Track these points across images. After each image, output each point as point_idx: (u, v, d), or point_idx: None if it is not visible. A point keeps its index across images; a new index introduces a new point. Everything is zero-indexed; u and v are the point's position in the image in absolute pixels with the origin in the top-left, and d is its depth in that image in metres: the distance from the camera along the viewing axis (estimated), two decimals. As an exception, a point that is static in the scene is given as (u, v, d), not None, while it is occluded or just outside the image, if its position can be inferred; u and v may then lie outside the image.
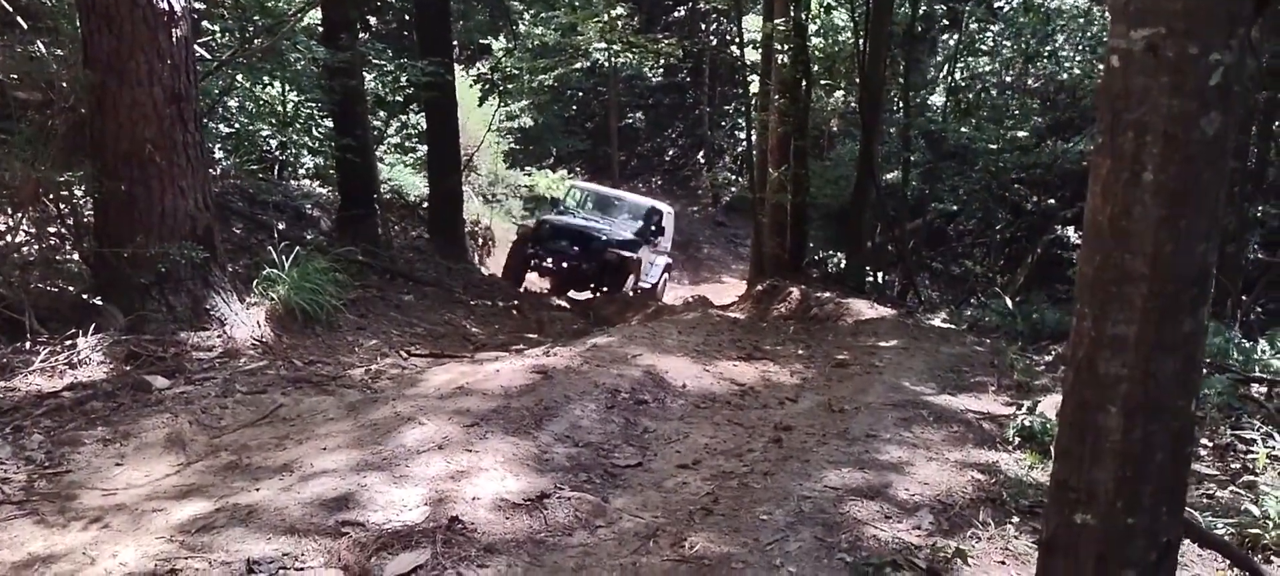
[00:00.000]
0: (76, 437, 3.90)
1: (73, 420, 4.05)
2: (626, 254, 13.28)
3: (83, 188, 4.84)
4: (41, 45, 5.59)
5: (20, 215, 4.82)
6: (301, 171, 13.22)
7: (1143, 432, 1.45)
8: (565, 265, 12.96)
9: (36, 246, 4.99)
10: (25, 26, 5.71)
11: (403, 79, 12.33)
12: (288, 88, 10.72)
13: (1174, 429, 1.48)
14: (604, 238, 13.16)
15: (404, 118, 14.96)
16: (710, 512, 3.38)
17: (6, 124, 5.12)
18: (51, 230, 5.38)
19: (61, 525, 3.26)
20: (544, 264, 13.09)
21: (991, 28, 15.79)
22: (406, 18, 17.95)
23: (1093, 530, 1.53)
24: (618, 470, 3.81)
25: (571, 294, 13.46)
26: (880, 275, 13.50)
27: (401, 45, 16.28)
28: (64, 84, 5.18)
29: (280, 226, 8.05)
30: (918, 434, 4.34)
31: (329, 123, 11.17)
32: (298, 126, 11.44)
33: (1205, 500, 3.83)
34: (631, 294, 13.07)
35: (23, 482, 3.55)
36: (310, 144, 11.43)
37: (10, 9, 5.69)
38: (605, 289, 13.12)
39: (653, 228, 15.14)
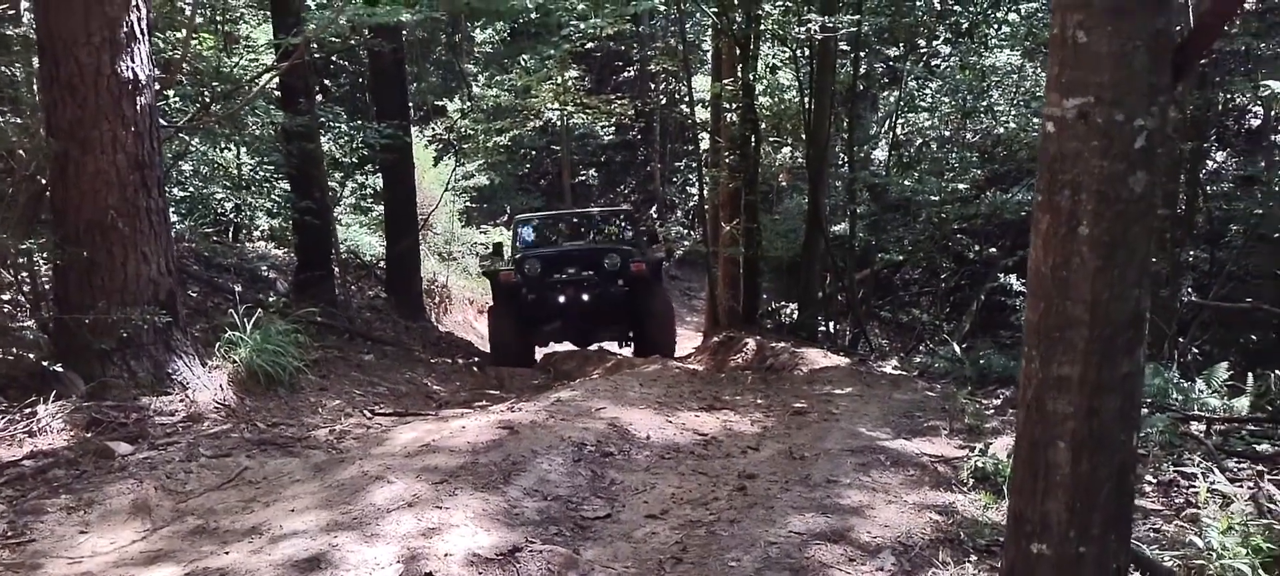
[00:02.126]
0: (39, 506, 3.86)
1: (35, 489, 4.01)
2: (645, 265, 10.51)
3: (45, 255, 4.81)
4: (-2, 114, 5.59)
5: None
6: (257, 233, 13.16)
7: (1089, 466, 1.59)
8: (585, 297, 10.06)
9: (-5, 315, 4.94)
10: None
11: (357, 141, 12.41)
12: (242, 151, 10.73)
13: (1117, 462, 1.61)
14: (615, 251, 10.48)
15: (360, 178, 14.99)
16: (680, 561, 3.46)
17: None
18: (5, 297, 5.33)
19: (27, 595, 3.23)
20: (549, 310, 10.21)
21: (930, 85, 16.37)
22: (360, 80, 18.06)
23: (1047, 559, 1.65)
24: (587, 522, 3.87)
25: (600, 341, 10.98)
26: (831, 325, 13.75)
27: (355, 107, 16.37)
28: (22, 153, 5.19)
29: (237, 289, 8.01)
30: (876, 478, 4.47)
31: (284, 185, 11.18)
32: (252, 189, 11.43)
33: (1152, 534, 4.00)
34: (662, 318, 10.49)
35: (-14, 553, 3.51)
36: (267, 206, 11.41)
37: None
38: (641, 317, 10.38)
39: (642, 231, 12.93)
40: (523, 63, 14.18)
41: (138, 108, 4.86)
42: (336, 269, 10.53)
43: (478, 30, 17.67)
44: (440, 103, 18.69)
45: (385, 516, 3.67)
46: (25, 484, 4.03)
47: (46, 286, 5.17)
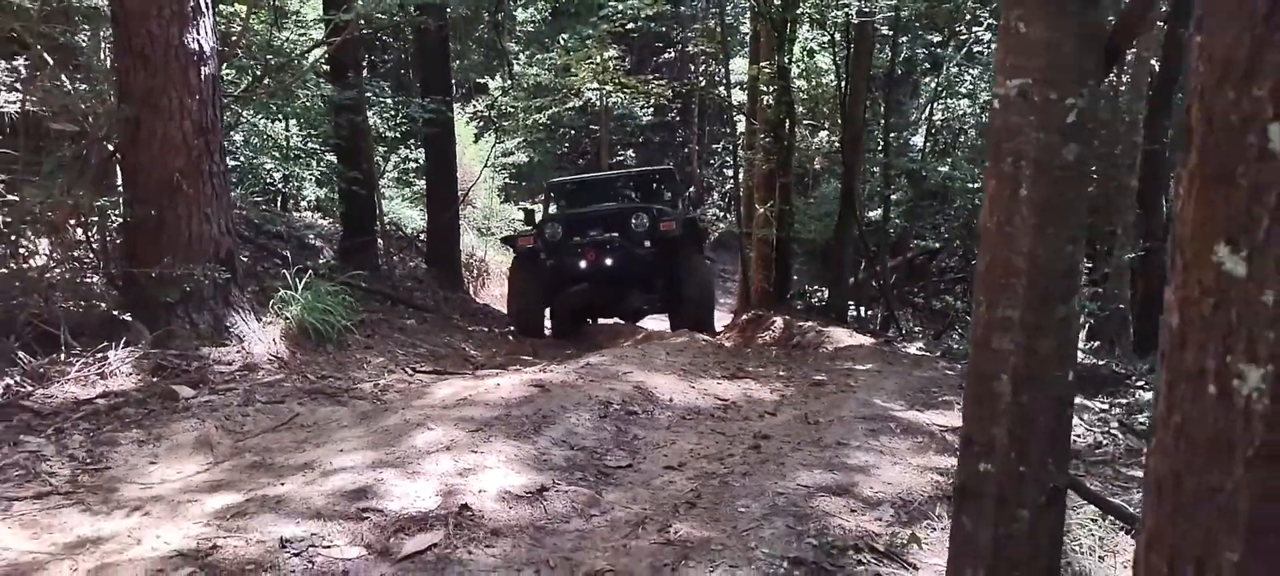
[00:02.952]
0: (113, 439, 4.25)
1: (109, 424, 4.39)
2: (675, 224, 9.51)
3: (118, 212, 5.20)
4: (66, 80, 5.99)
5: (55, 238, 5.18)
6: (303, 204, 13.63)
7: (1028, 397, 1.84)
8: (608, 262, 9.27)
9: (66, 267, 5.34)
10: (51, 62, 6.10)
11: (401, 115, 12.80)
12: (292, 123, 11.15)
13: (1054, 395, 1.87)
14: (643, 210, 9.61)
15: (402, 153, 15.41)
16: (693, 505, 3.75)
17: (38, 156, 5.50)
18: (76, 254, 5.74)
19: (105, 513, 3.60)
20: (570, 276, 9.45)
21: (971, 71, 16.38)
22: (403, 57, 18.47)
23: (993, 476, 1.91)
24: (610, 470, 4.17)
25: (634, 309, 10.32)
26: (862, 309, 13.92)
27: (399, 83, 16.78)
28: (90, 118, 5.58)
29: (286, 254, 8.42)
30: (885, 443, 4.71)
31: (331, 157, 11.60)
32: (300, 161, 11.87)
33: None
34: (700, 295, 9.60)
35: (67, 476, 3.89)
36: (315, 176, 11.84)
37: (39, 48, 6.08)
38: (674, 283, 9.51)
39: (686, 193, 12.07)
40: (563, 42, 14.40)
41: (202, 77, 5.22)
42: (380, 239, 10.93)
43: (519, 9, 17.96)
44: (482, 80, 19.05)
45: (425, 457, 4.00)
46: (100, 419, 4.42)
47: (113, 243, 5.56)
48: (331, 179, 11.37)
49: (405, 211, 15.12)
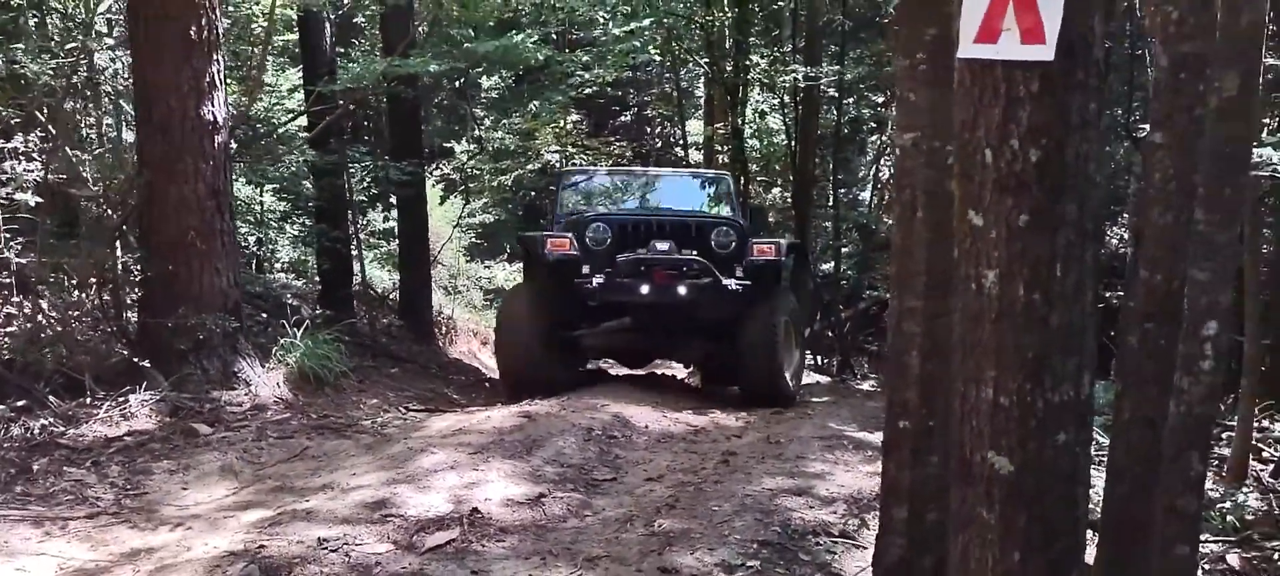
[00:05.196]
0: (147, 469, 4.70)
1: (140, 456, 4.84)
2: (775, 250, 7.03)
3: (138, 267, 5.67)
4: (82, 151, 6.49)
5: (81, 294, 5.64)
6: (277, 265, 14.05)
7: (933, 368, 2.45)
8: (682, 293, 6.53)
9: (90, 319, 5.79)
10: (52, 132, 6.56)
11: (370, 178, 13.34)
12: (266, 190, 11.64)
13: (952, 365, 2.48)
14: (731, 227, 7.08)
15: (370, 215, 15.90)
16: (673, 507, 4.30)
17: (62, 220, 5.99)
18: (97, 307, 6.19)
19: (151, 528, 4.05)
20: (619, 305, 6.82)
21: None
22: (368, 122, 19.07)
23: (908, 431, 2.52)
24: (597, 482, 4.71)
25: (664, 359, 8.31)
26: (819, 358, 14.60)
27: (367, 147, 17.34)
28: (108, 184, 6.09)
29: (263, 315, 8.86)
30: (839, 456, 5.32)
31: (304, 220, 12.09)
32: (273, 226, 12.35)
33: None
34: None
35: (112, 500, 4.33)
36: (290, 237, 12.30)
37: (42, 119, 6.57)
38: (748, 337, 6.74)
39: (748, 213, 9.24)
40: (532, 108, 15.09)
41: (215, 144, 5.76)
42: (355, 298, 11.40)
43: (484, 77, 18.70)
44: (448, 144, 19.67)
45: (433, 475, 4.51)
46: (131, 453, 4.86)
47: (133, 295, 6.03)
48: (303, 242, 11.83)
49: (373, 271, 15.59)
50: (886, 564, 2.55)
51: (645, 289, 6.59)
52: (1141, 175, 2.77)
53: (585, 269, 6.68)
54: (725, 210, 8.18)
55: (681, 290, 6.61)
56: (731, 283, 6.70)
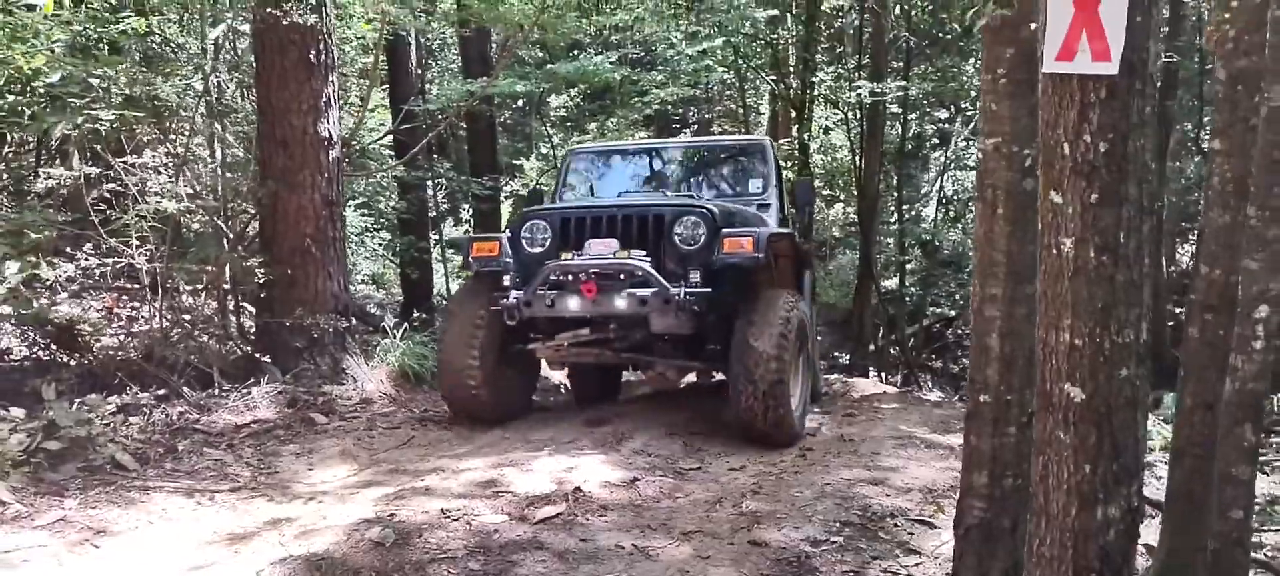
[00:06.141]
0: (276, 451, 5.17)
1: (268, 441, 5.32)
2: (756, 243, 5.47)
3: (263, 271, 6.18)
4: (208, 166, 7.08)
5: (207, 297, 6.18)
6: (357, 277, 14.72)
7: (1011, 348, 2.75)
8: (621, 305, 5.37)
9: (218, 319, 6.34)
10: (187, 149, 7.15)
11: (454, 191, 13.95)
12: (347, 204, 12.26)
13: (1028, 346, 2.78)
14: (699, 216, 5.63)
15: (443, 228, 16.54)
16: (757, 492, 4.62)
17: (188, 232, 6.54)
18: (215, 305, 6.74)
19: (287, 501, 4.49)
20: (549, 321, 5.61)
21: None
22: (447, 139, 19.80)
23: (988, 404, 2.81)
24: (683, 470, 5.05)
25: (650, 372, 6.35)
26: (883, 374, 14.74)
27: (444, 163, 18.02)
28: (221, 197, 6.64)
29: (346, 324, 9.40)
30: (911, 453, 5.58)
31: (383, 234, 12.71)
32: (355, 238, 12.98)
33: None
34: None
35: (249, 477, 4.81)
36: (368, 251, 12.92)
37: (171, 137, 7.18)
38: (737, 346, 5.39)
39: (787, 193, 7.37)
40: (607, 127, 15.58)
41: (330, 159, 6.28)
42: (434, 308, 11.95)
43: (553, 95, 19.29)
44: (517, 162, 20.31)
45: (533, 460, 4.90)
46: (260, 438, 5.35)
47: (256, 297, 6.56)
48: (388, 253, 12.41)
49: (444, 283, 16.21)
50: (967, 524, 2.85)
51: (573, 304, 5.43)
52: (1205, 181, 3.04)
53: (506, 280, 5.60)
54: (756, 186, 6.81)
55: (619, 303, 5.38)
56: (681, 291, 5.33)
